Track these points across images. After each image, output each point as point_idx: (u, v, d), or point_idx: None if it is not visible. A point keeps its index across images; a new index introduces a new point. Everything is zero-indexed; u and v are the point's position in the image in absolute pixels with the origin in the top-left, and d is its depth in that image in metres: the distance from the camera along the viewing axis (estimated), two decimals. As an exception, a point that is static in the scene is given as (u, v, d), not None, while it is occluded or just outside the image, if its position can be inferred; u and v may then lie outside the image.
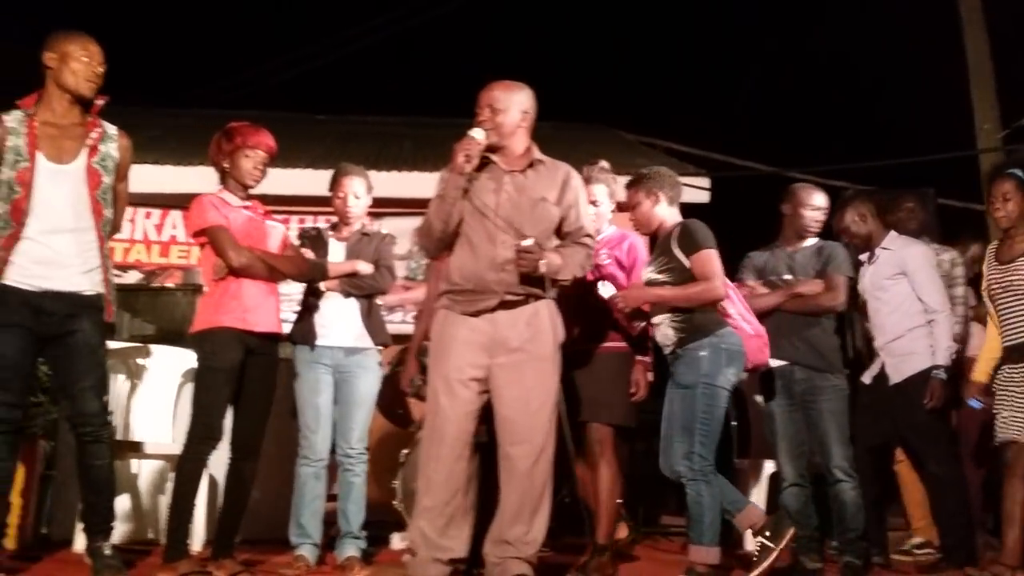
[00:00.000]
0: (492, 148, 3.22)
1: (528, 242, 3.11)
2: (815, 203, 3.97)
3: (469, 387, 3.15)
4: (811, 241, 3.98)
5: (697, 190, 6.68)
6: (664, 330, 3.58)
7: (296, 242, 3.92)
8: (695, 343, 3.46)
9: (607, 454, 3.77)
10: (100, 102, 3.28)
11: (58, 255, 3.16)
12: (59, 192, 3.17)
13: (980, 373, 3.83)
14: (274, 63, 10.27)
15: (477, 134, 3.17)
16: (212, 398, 3.48)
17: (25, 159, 3.12)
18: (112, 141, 3.33)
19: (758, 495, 4.75)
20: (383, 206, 5.94)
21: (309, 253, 3.88)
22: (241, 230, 3.56)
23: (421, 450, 3.21)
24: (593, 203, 3.78)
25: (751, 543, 3.69)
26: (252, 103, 8.53)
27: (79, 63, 3.19)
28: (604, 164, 3.99)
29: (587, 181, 3.79)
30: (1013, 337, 3.64)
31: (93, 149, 3.25)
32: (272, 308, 3.62)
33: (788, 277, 3.91)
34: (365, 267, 3.86)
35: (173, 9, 12.54)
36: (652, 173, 3.75)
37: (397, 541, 4.37)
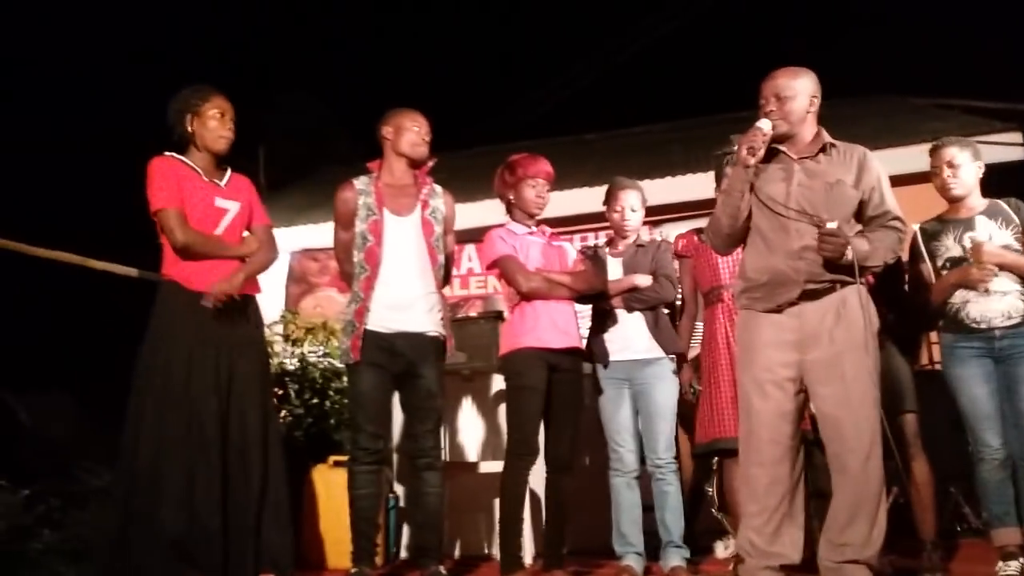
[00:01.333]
0: (781, 138, 3.12)
1: (832, 224, 2.96)
2: None
3: (783, 388, 3.04)
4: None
5: (1009, 147, 5.99)
6: (1014, 301, 3.43)
7: None
8: None
9: (919, 445, 3.61)
10: (429, 164, 3.76)
11: (406, 298, 3.58)
12: (403, 240, 3.63)
13: None
14: (535, 93, 10.66)
15: (764, 125, 3.08)
16: (523, 416, 3.69)
17: (374, 213, 3.62)
18: (439, 197, 3.76)
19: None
20: (659, 213, 5.95)
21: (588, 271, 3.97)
22: (529, 256, 3.76)
23: (740, 456, 3.15)
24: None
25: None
26: (522, 134, 8.91)
27: (412, 133, 3.70)
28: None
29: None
30: None
31: (425, 203, 3.70)
32: (570, 325, 3.76)
33: None
34: (643, 280, 3.89)
35: (436, 57, 13.49)
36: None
37: (721, 549, 4.30)
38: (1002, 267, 3.52)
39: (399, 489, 4.62)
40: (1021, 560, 3.43)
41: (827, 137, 3.15)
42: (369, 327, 3.55)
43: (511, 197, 3.89)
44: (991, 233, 3.58)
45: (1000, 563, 3.43)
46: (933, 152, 3.71)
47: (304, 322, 4.84)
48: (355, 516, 3.57)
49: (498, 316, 4.74)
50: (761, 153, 3.07)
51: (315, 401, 4.71)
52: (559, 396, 3.72)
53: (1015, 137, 6.14)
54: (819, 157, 3.12)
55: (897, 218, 3.10)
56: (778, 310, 3.06)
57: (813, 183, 3.07)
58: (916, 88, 7.71)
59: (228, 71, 9.95)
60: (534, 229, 3.90)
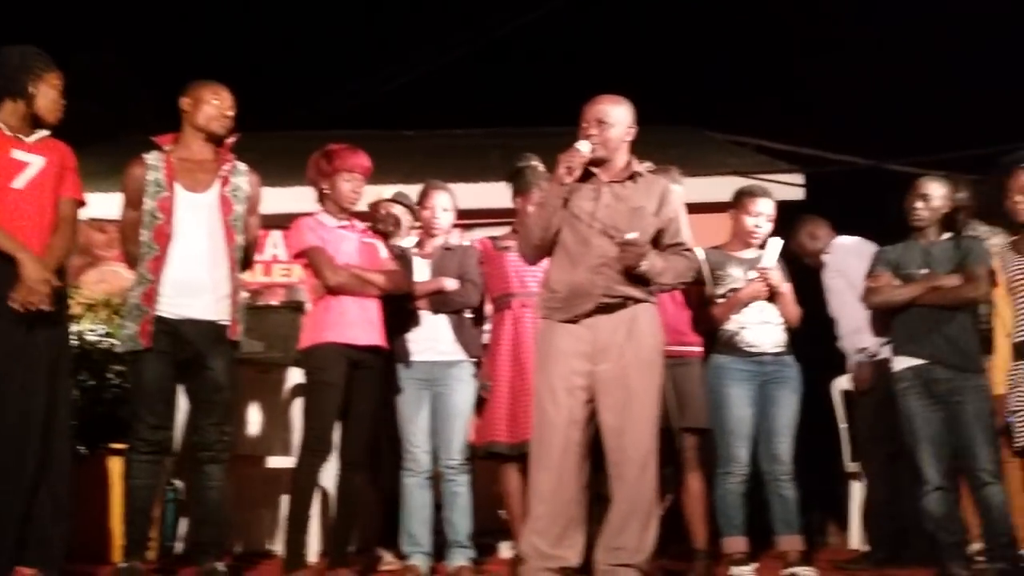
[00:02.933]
0: (596, 161, 3.25)
1: (632, 235, 3.13)
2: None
3: (574, 395, 3.17)
4: (946, 235, 3.82)
5: (792, 187, 6.53)
6: (780, 332, 3.94)
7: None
8: None
9: (696, 459, 3.88)
10: (231, 140, 3.54)
11: (197, 282, 3.37)
12: (196, 218, 3.40)
13: (1002, 385, 3.61)
14: (362, 83, 10.48)
15: (583, 147, 3.21)
16: (321, 412, 3.61)
17: (165, 189, 3.39)
18: (242, 175, 3.55)
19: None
20: (472, 218, 6.02)
21: (391, 264, 3.96)
22: (339, 250, 3.69)
23: (531, 459, 3.24)
24: None
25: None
26: (341, 123, 8.74)
27: (211, 106, 3.47)
28: (649, 165, 3.97)
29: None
30: None
31: (225, 180, 3.49)
32: (375, 322, 3.72)
33: (923, 271, 3.76)
34: (450, 283, 3.93)
35: (264, 34, 12.98)
36: None
37: (505, 550, 4.40)
38: (775, 298, 3.87)
39: (180, 481, 4.41)
40: (751, 565, 3.82)
41: (637, 166, 3.33)
42: (158, 312, 3.34)
43: (325, 187, 3.80)
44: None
45: (732, 568, 3.79)
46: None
47: (84, 297, 4.49)
48: (129, 507, 3.39)
49: (300, 307, 4.63)
50: (578, 173, 3.19)
51: (92, 383, 4.39)
52: (359, 393, 3.67)
53: (798, 178, 6.70)
54: (627, 183, 3.29)
55: (689, 249, 3.33)
56: (575, 321, 3.18)
57: (619, 206, 3.23)
58: (712, 123, 8.25)
59: (19, 22, 9.13)
60: (346, 223, 3.82)
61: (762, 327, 3.93)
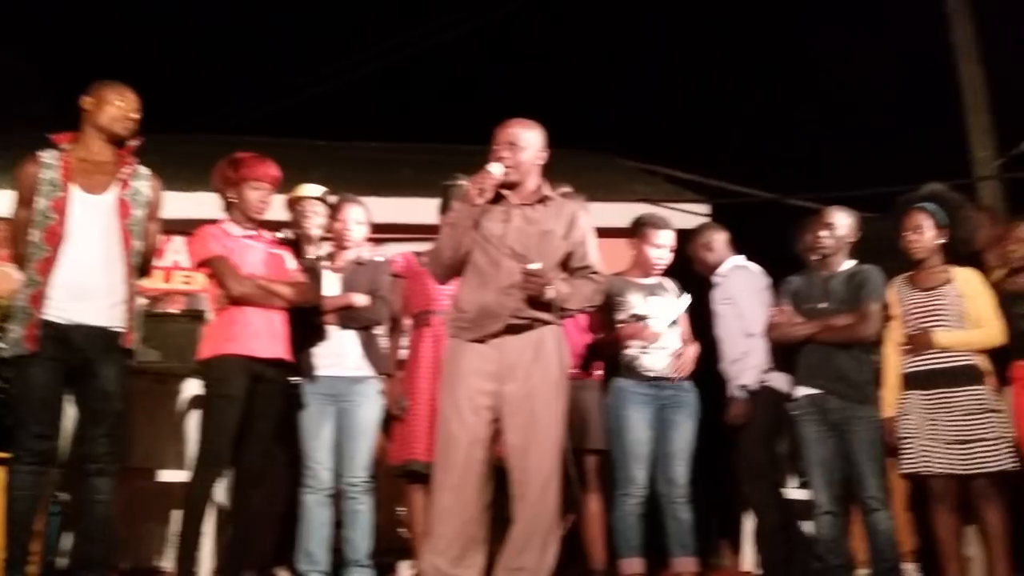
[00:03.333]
0: (508, 184, 3.28)
1: (535, 266, 3.16)
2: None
3: (479, 415, 3.17)
4: (847, 265, 3.98)
5: (698, 216, 6.70)
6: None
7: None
8: None
9: (596, 481, 3.98)
10: (134, 143, 3.42)
11: (89, 286, 3.24)
12: (91, 220, 3.28)
13: (891, 407, 3.78)
14: (274, 89, 10.30)
15: (495, 169, 3.22)
16: (219, 425, 3.52)
17: (60, 189, 3.25)
18: (144, 180, 3.43)
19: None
20: (384, 232, 5.97)
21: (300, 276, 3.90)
22: (245, 260, 3.61)
23: (434, 478, 3.22)
24: None
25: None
26: (250, 129, 8.56)
27: (114, 107, 3.35)
28: (566, 190, 4.06)
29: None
30: (926, 362, 3.66)
31: (124, 183, 3.37)
32: (279, 335, 3.64)
33: (823, 305, 3.90)
34: (360, 299, 3.88)
35: (172, 34, 12.64)
36: None
37: (405, 569, 4.35)
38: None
39: (66, 494, 4.20)
40: None
41: (547, 190, 3.37)
42: (46, 316, 3.20)
43: (231, 196, 3.72)
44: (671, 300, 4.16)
45: None
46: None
47: (-30, 299, 4.27)
48: (10, 520, 3.22)
49: (200, 316, 4.50)
50: (489, 195, 3.21)
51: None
52: (259, 407, 3.59)
53: (705, 208, 6.88)
54: (537, 207, 3.32)
55: (597, 272, 3.37)
56: (482, 340, 3.19)
57: (529, 229, 3.26)
58: (625, 151, 8.40)
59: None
60: (253, 233, 3.75)
61: (660, 352, 4.03)
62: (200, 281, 6.23)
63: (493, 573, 3.18)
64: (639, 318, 4.06)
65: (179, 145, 8.06)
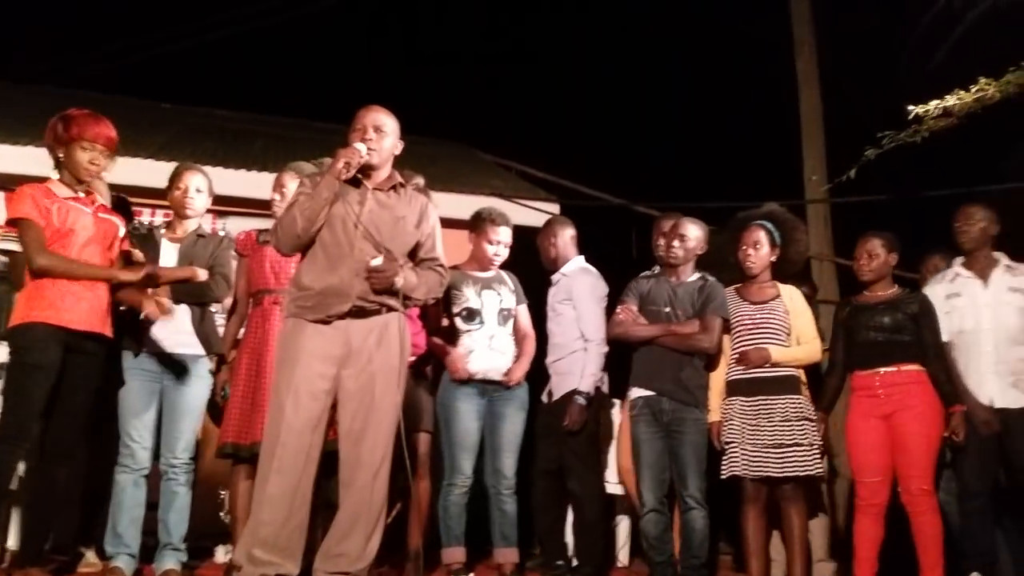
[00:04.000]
0: (366, 167, 3.24)
1: (377, 261, 3.14)
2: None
3: (318, 399, 3.10)
4: (694, 276, 4.11)
5: (546, 215, 6.81)
6: (508, 360, 4.11)
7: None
8: None
9: (427, 464, 4.02)
10: None
11: None
12: None
13: (716, 412, 3.98)
14: (121, 43, 9.70)
15: (362, 148, 3.20)
16: (24, 396, 3.30)
17: None
18: None
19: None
20: (228, 205, 5.76)
21: (139, 254, 3.71)
22: (73, 223, 3.39)
23: (260, 462, 3.12)
24: None
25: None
26: (92, 84, 8.06)
27: None
28: (420, 180, 4.05)
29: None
30: (750, 371, 3.86)
31: None
32: (96, 306, 3.43)
33: (667, 310, 4.02)
34: (200, 273, 3.73)
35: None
36: None
37: (221, 554, 4.22)
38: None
39: None
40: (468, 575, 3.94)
41: (399, 178, 3.36)
42: None
43: (60, 155, 3.49)
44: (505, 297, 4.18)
45: None
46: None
47: None
48: None
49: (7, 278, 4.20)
50: (352, 172, 3.16)
51: None
52: (72, 381, 3.38)
53: (555, 208, 7.00)
54: (390, 193, 3.30)
55: (442, 265, 3.39)
56: (326, 322, 3.13)
57: (383, 213, 3.24)
58: (479, 142, 8.45)
59: None
60: (82, 195, 3.52)
61: (490, 353, 4.07)
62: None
63: (315, 559, 3.12)
64: (471, 311, 4.08)
65: (9, 92, 7.51)
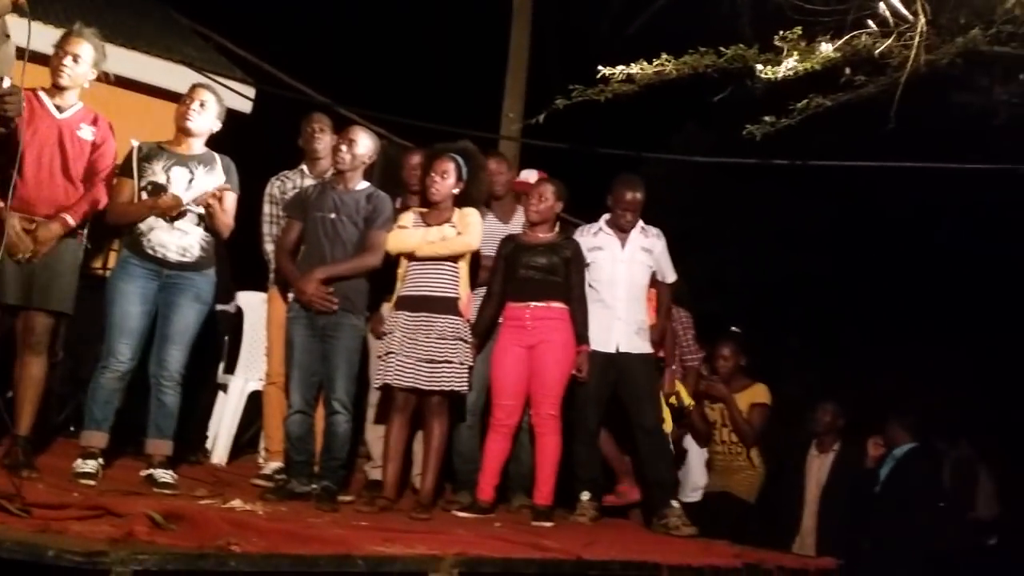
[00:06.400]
0: None
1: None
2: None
3: None
4: (362, 185, 4.08)
5: (241, 99, 6.44)
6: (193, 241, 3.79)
7: None
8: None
9: (42, 344, 3.63)
10: None
11: None
12: None
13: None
14: None
15: None
16: None
17: None
18: None
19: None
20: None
21: None
22: None
23: None
24: (75, 57, 3.66)
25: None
26: None
27: None
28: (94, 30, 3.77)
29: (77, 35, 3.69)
30: (417, 289, 4.03)
31: None
32: None
33: (332, 216, 3.98)
34: None
35: None
36: None
37: None
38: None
39: None
40: (99, 460, 3.62)
41: None
42: None
43: None
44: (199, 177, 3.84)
45: (79, 461, 3.56)
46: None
47: None
48: None
49: None
50: None
51: None
52: None
53: (249, 91, 6.63)
54: None
55: None
56: None
57: None
58: (183, 6, 7.73)
59: None
60: None
61: (172, 232, 3.77)
62: None
63: None
64: (156, 186, 3.77)
65: None
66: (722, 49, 4.59)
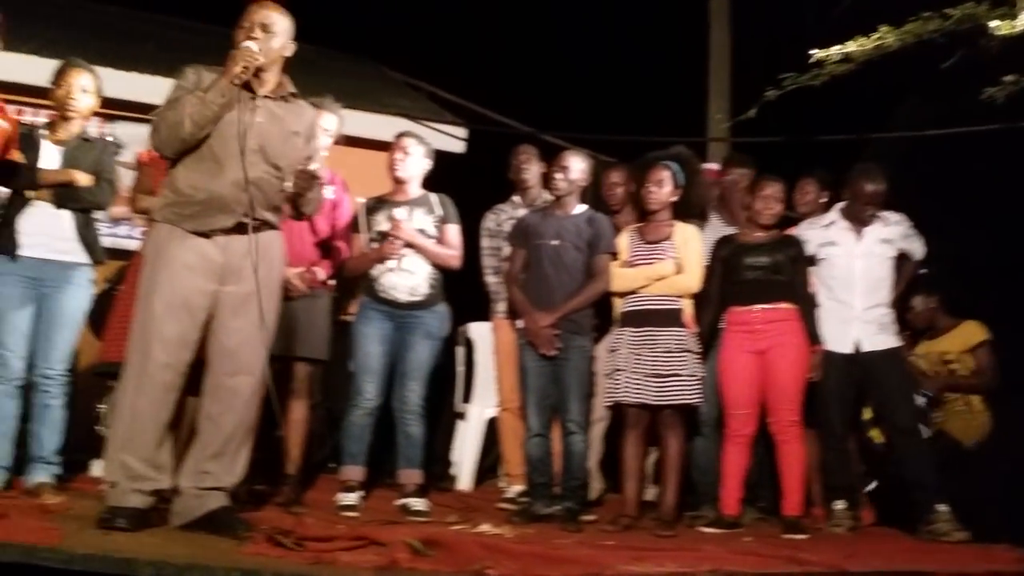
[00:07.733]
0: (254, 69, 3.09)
1: (315, 165, 3.15)
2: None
3: (194, 315, 3.02)
4: (580, 209, 4.12)
5: (454, 140, 6.74)
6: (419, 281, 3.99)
7: None
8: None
9: (304, 390, 3.96)
10: None
11: None
12: None
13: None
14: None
15: (254, 47, 3.03)
16: None
17: None
18: None
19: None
20: (117, 108, 5.48)
21: (18, 155, 3.52)
22: None
23: (127, 375, 3.03)
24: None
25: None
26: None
27: None
28: (335, 110, 4.02)
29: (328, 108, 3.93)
30: (641, 303, 3.98)
31: None
32: None
33: (555, 243, 4.04)
34: (84, 178, 3.57)
35: None
36: None
37: (97, 468, 4.12)
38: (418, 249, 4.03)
39: None
40: (359, 492, 3.92)
41: (291, 87, 3.23)
42: None
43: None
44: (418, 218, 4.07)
45: (340, 494, 3.88)
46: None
47: None
48: None
49: None
50: (250, 75, 3.04)
51: None
52: None
53: (461, 132, 6.93)
54: (280, 103, 3.19)
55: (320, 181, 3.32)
56: (206, 235, 3.03)
57: (273, 128, 3.13)
58: (390, 61, 8.22)
59: None
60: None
61: (399, 274, 4.01)
62: None
63: (179, 475, 3.05)
64: (384, 236, 4.02)
65: None
66: (947, 12, 4.24)
